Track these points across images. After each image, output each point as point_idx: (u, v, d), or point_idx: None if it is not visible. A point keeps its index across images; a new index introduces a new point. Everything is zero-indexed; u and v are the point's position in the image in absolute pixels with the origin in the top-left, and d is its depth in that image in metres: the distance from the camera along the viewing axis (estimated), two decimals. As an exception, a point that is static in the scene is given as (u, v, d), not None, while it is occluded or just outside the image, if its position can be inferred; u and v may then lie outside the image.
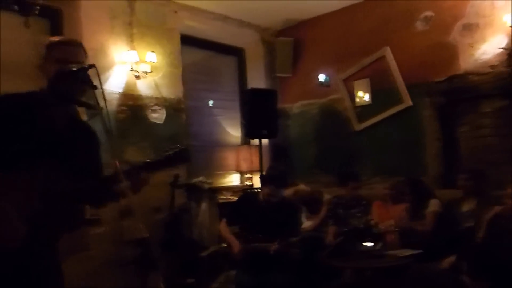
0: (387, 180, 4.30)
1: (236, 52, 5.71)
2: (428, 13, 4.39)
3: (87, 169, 1.70)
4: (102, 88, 1.59)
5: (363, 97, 4.94)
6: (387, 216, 3.80)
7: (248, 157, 5.26)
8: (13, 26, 3.67)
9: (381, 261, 3.09)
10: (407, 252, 3.10)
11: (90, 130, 1.83)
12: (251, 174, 5.34)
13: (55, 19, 3.82)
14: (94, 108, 1.66)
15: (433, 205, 3.54)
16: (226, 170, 5.46)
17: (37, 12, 2.81)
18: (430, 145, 4.38)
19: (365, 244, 3.25)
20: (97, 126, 1.81)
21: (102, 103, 1.59)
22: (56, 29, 3.71)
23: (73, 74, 1.61)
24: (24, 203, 1.48)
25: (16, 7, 2.77)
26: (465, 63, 4.13)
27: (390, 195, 3.98)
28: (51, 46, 1.69)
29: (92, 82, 1.61)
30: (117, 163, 1.44)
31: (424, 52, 4.39)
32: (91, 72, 1.62)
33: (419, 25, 4.46)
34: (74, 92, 1.65)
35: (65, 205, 1.58)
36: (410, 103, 4.51)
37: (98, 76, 1.61)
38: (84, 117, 1.89)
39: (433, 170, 4.34)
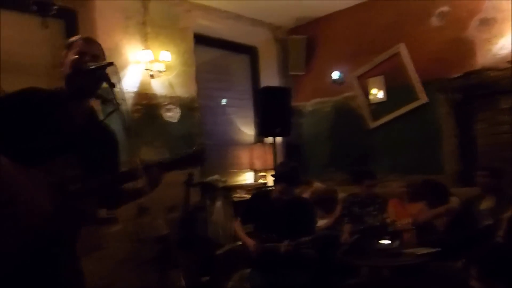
0: (403, 178, 4.26)
1: (249, 51, 5.71)
2: (444, 9, 4.33)
3: (104, 167, 1.72)
4: (117, 86, 1.60)
5: (377, 94, 4.90)
6: (404, 214, 3.76)
7: (262, 155, 5.25)
8: (31, 28, 3.73)
9: (398, 259, 3.05)
10: (425, 250, 3.06)
11: (107, 128, 1.84)
12: (265, 172, 5.33)
13: (70, 20, 3.85)
14: (111, 102, 1.67)
15: (452, 202, 3.49)
16: (240, 169, 5.46)
17: (54, 12, 2.84)
18: (446, 143, 4.32)
19: (381, 242, 3.22)
20: (113, 125, 1.84)
21: (120, 101, 1.61)
22: (71, 30, 3.75)
23: (91, 71, 1.62)
24: (42, 199, 1.49)
25: (35, 7, 2.80)
26: (483, 59, 4.06)
27: (406, 193, 3.93)
28: (70, 44, 1.71)
29: (110, 80, 1.62)
30: (138, 160, 1.44)
31: (439, 48, 4.33)
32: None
33: (435, 21, 4.40)
34: (90, 87, 1.67)
35: (82, 202, 1.59)
36: (425, 100, 4.46)
37: (117, 73, 1.62)
38: (100, 116, 1.90)
39: (449, 167, 4.28)
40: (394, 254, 3.05)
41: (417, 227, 3.36)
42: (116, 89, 1.61)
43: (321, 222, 4.28)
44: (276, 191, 3.26)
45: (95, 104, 1.81)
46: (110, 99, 1.67)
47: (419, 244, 3.22)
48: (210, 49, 5.19)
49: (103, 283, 3.44)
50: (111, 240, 3.80)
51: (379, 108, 4.87)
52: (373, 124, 4.89)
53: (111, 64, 1.62)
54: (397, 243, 3.12)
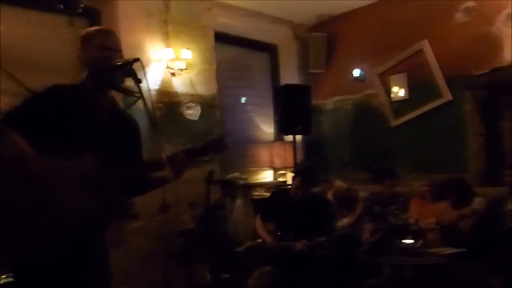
0: (425, 177, 4.18)
1: (269, 49, 5.70)
2: (470, 4, 4.23)
3: (129, 157, 1.75)
4: (136, 83, 1.63)
5: (399, 92, 4.82)
6: (427, 213, 3.69)
7: (282, 153, 5.24)
8: (56, 27, 3.81)
9: (421, 259, 2.99)
10: (449, 250, 2.99)
11: (130, 118, 1.88)
12: (285, 171, 5.32)
13: (94, 19, 3.92)
14: (133, 95, 1.70)
15: (477, 203, 3.41)
16: (260, 167, 5.46)
17: (80, 10, 2.88)
18: (471, 141, 4.23)
19: (404, 241, 3.17)
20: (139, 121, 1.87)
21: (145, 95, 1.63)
22: (95, 28, 3.81)
23: (118, 68, 1.65)
24: (76, 192, 1.52)
25: (61, 6, 2.85)
26: (510, 55, 3.95)
27: (429, 192, 3.86)
28: (88, 36, 1.72)
29: (137, 76, 1.64)
30: (163, 150, 1.47)
31: (465, 44, 4.24)
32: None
33: (460, 17, 4.30)
34: (114, 80, 1.69)
35: (112, 193, 1.62)
36: (449, 97, 4.37)
37: (143, 69, 1.63)
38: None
39: (474, 166, 4.19)
40: (418, 254, 3.00)
41: (441, 227, 3.29)
42: (141, 85, 1.64)
43: (342, 221, 4.25)
44: (293, 185, 3.26)
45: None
46: (132, 91, 1.72)
47: (443, 244, 3.15)
48: (230, 47, 5.21)
49: (125, 278, 3.49)
50: (133, 236, 3.85)
51: (401, 106, 4.79)
52: (395, 122, 4.82)
53: (137, 60, 1.64)
54: (420, 242, 3.07)
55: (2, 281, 2.86)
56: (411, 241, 3.16)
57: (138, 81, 1.64)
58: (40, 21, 3.74)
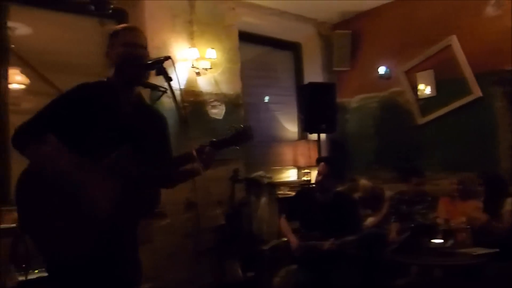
0: (454, 176, 4.08)
1: (293, 47, 5.69)
2: (500, -3, 4.11)
3: (159, 152, 1.78)
4: (167, 81, 1.65)
5: (425, 89, 4.72)
6: (456, 212, 3.61)
7: (306, 152, 5.21)
8: (84, 29, 3.90)
9: (452, 259, 2.92)
10: (482, 250, 2.91)
11: (158, 113, 1.92)
12: (309, 170, 5.29)
13: (122, 20, 3.98)
14: (159, 89, 1.74)
15: (510, 203, 3.31)
16: (284, 166, 5.46)
17: (110, 11, 2.94)
18: (502, 138, 4.11)
19: (433, 241, 3.10)
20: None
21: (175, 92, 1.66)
22: (122, 29, 3.89)
23: (149, 66, 1.68)
24: (107, 189, 1.55)
25: (92, 7, 2.92)
26: (543, 49, 3.82)
27: (458, 190, 3.77)
28: (116, 33, 1.77)
29: (167, 74, 1.66)
30: (192, 145, 1.50)
31: (495, 38, 4.11)
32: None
33: (490, 10, 4.18)
34: (141, 76, 1.73)
35: (143, 188, 1.65)
36: (479, 94, 4.25)
37: (174, 66, 1.66)
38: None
39: (506, 164, 4.07)
40: (448, 254, 2.93)
41: (473, 227, 3.21)
42: (171, 82, 1.67)
43: (367, 221, 4.20)
44: (316, 175, 3.21)
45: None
46: (159, 86, 1.75)
47: (475, 244, 3.07)
48: (254, 46, 5.22)
49: (152, 275, 3.54)
50: (160, 233, 3.90)
51: (428, 103, 4.70)
52: (422, 120, 4.73)
53: (168, 58, 1.67)
54: (450, 242, 2.99)
55: (35, 276, 2.96)
56: (441, 240, 3.09)
57: (168, 79, 1.67)
58: (71, 23, 3.84)
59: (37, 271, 3.00)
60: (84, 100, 1.64)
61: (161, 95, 1.79)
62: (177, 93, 3.99)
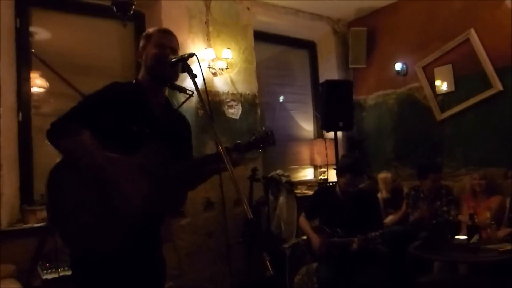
0: (475, 171, 4.01)
1: (308, 46, 5.68)
2: (520, -11, 4.04)
3: (185, 152, 1.81)
4: (192, 78, 1.67)
5: (444, 84, 4.66)
6: (479, 208, 3.56)
7: (323, 150, 5.19)
8: (106, 32, 3.96)
9: (478, 255, 2.87)
10: (509, 246, 2.85)
11: (183, 116, 1.95)
12: (326, 168, 5.27)
13: (139, 23, 4.05)
14: (186, 92, 1.78)
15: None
16: (300, 165, 5.45)
17: (131, 13, 2.98)
18: (526, 133, 4.03)
19: (457, 237, 3.06)
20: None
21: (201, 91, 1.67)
22: (140, 31, 3.92)
23: (174, 63, 1.69)
24: (138, 185, 1.57)
25: (114, 8, 2.96)
26: None
27: (481, 186, 3.71)
28: (150, 34, 1.79)
29: (192, 71, 1.68)
30: (220, 144, 1.51)
31: (516, 31, 4.05)
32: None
33: (509, 3, 4.11)
34: (172, 76, 1.75)
35: (172, 186, 1.66)
36: (500, 87, 4.18)
37: (199, 63, 1.67)
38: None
39: (529, 159, 3.99)
40: (473, 250, 2.88)
41: (498, 221, 3.15)
42: (197, 80, 1.68)
43: (388, 219, 4.17)
44: (341, 183, 3.20)
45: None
46: (186, 89, 1.77)
47: (502, 240, 3.01)
48: (270, 45, 5.23)
49: (175, 274, 3.57)
50: (181, 233, 3.93)
51: (447, 98, 4.64)
52: (441, 116, 4.67)
53: (193, 55, 1.68)
54: (475, 238, 2.94)
55: (59, 274, 3.01)
56: (465, 237, 3.05)
57: (193, 76, 1.68)
58: (91, 26, 3.91)
59: (61, 269, 3.05)
60: (117, 97, 1.67)
61: (187, 99, 1.81)
62: (205, 89, 4.05)
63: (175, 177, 1.65)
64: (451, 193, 3.90)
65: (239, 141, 1.79)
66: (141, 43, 1.80)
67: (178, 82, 1.81)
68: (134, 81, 1.79)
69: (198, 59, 1.69)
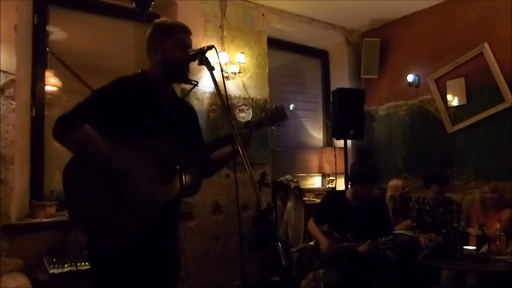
0: (486, 185, 3.98)
1: (321, 54, 5.71)
2: (535, 4, 4.04)
3: (196, 142, 1.83)
4: (210, 70, 1.69)
5: (456, 97, 4.65)
6: (488, 221, 3.53)
7: (332, 159, 5.19)
8: (122, 32, 4.02)
9: (486, 266, 2.83)
10: (519, 257, 2.82)
11: (190, 105, 2.03)
12: (334, 177, 5.25)
13: (155, 24, 4.09)
14: (192, 83, 1.85)
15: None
16: (309, 173, 5.44)
17: (150, 10, 3.02)
18: (536, 147, 4.00)
19: (466, 247, 3.03)
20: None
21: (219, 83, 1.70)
22: (155, 33, 3.98)
23: (193, 57, 1.71)
24: (150, 176, 1.58)
25: (133, 4, 3.00)
26: None
27: (492, 199, 3.68)
28: (169, 29, 1.76)
29: (210, 64, 1.70)
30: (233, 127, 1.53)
31: (529, 46, 4.04)
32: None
33: (523, 17, 4.12)
34: (185, 73, 1.77)
35: (186, 176, 1.67)
36: (512, 102, 4.17)
37: (217, 55, 1.70)
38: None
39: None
40: (482, 260, 2.84)
41: (508, 234, 3.12)
42: (214, 73, 1.70)
43: (396, 228, 4.13)
44: (356, 192, 3.17)
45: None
46: (191, 80, 1.81)
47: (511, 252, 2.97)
48: (283, 53, 5.27)
49: (182, 276, 3.55)
50: (189, 235, 3.93)
51: (458, 111, 4.62)
52: (452, 129, 4.65)
53: (212, 47, 1.70)
54: (485, 248, 2.90)
55: (66, 270, 3.02)
56: (474, 247, 3.01)
57: (211, 68, 1.70)
58: (108, 27, 3.97)
59: (67, 265, 3.06)
60: (125, 91, 1.67)
61: (192, 88, 1.87)
62: (204, 96, 4.06)
63: (189, 166, 1.67)
64: (456, 205, 3.83)
65: (249, 120, 1.84)
66: (158, 35, 1.75)
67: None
68: (140, 72, 1.78)
69: (217, 51, 1.71)
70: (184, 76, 1.78)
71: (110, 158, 1.52)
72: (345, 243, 3.00)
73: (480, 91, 4.43)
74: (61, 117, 1.57)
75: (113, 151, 1.53)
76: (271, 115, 1.83)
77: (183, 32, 1.78)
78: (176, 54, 1.72)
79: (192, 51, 1.72)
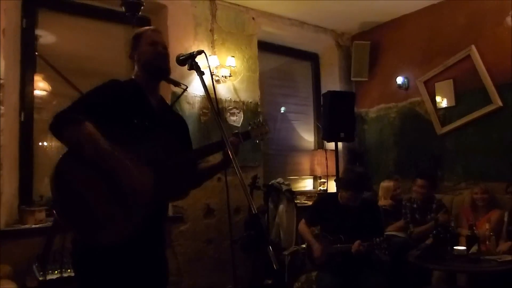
0: (475, 185, 4.03)
1: (311, 57, 5.73)
2: (521, 7, 4.10)
3: (185, 144, 1.86)
4: (200, 75, 1.70)
5: (445, 99, 4.70)
6: (478, 221, 3.56)
7: (323, 161, 5.20)
8: (112, 36, 4.00)
9: (477, 266, 2.86)
10: (508, 257, 2.85)
11: (178, 113, 2.06)
12: (326, 179, 5.27)
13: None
14: (180, 86, 1.91)
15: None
16: (300, 175, 5.45)
17: (139, 13, 3.02)
18: (525, 148, 4.05)
19: (457, 248, 3.06)
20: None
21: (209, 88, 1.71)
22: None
23: (183, 61, 1.72)
24: (143, 176, 1.58)
25: (123, 8, 3.00)
26: None
27: (483, 200, 3.72)
28: (140, 34, 1.84)
29: (200, 68, 1.70)
30: (225, 134, 1.57)
31: (516, 48, 4.10)
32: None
33: (510, 21, 4.18)
34: (166, 70, 1.81)
35: (174, 178, 1.68)
36: (499, 103, 4.21)
37: (207, 59, 1.70)
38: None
39: (528, 175, 4.00)
40: (473, 260, 2.87)
41: (497, 234, 3.15)
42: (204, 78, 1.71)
43: (387, 229, 4.15)
44: (343, 197, 3.19)
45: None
46: (179, 82, 1.88)
47: (502, 253, 3.01)
48: (273, 56, 5.28)
49: (174, 280, 3.54)
50: (180, 238, 3.91)
51: (447, 113, 4.67)
52: (441, 130, 4.70)
53: (201, 52, 1.71)
54: (474, 248, 2.94)
55: (55, 276, 2.99)
56: (464, 247, 3.04)
57: (201, 73, 1.70)
58: (98, 30, 3.95)
59: (57, 271, 3.03)
60: (116, 92, 1.71)
61: (182, 94, 1.90)
62: (195, 100, 4.05)
63: (182, 163, 1.69)
64: (439, 203, 3.90)
65: (237, 131, 1.90)
66: (132, 43, 1.84)
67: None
68: (129, 79, 1.83)
69: (206, 56, 1.71)
70: (165, 71, 1.80)
71: (112, 156, 1.53)
72: (338, 245, 3.01)
73: (469, 93, 4.48)
74: (61, 112, 1.59)
75: (113, 149, 1.54)
76: (256, 128, 1.94)
77: (152, 31, 1.87)
78: (148, 50, 1.77)
79: (182, 56, 1.74)
